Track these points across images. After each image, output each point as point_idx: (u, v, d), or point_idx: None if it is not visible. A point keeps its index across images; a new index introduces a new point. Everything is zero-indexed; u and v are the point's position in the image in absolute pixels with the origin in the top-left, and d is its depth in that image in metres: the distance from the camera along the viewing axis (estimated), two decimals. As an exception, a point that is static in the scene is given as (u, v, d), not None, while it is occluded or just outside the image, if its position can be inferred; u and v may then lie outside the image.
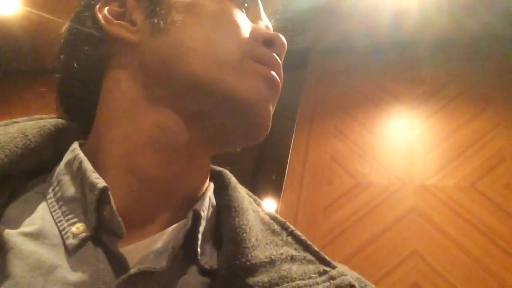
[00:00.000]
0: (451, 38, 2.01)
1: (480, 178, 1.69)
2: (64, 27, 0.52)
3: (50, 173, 0.46)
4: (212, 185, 0.49)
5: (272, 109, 0.46)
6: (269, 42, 0.47)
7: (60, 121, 0.49)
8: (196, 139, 0.44)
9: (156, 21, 0.46)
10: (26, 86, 2.47)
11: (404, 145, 1.86)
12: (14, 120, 0.47)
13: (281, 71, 0.47)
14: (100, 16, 0.47)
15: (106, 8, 0.48)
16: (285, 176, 1.92)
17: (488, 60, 1.96)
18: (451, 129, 1.84)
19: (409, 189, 1.74)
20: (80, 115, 0.51)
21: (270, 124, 0.46)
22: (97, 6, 0.48)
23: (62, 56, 0.51)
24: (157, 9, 0.46)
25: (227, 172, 0.52)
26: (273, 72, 0.46)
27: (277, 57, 0.47)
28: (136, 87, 0.45)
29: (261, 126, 0.45)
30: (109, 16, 0.47)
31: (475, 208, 1.63)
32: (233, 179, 0.51)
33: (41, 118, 0.49)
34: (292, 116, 2.09)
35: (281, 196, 1.87)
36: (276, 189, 1.91)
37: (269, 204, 2.36)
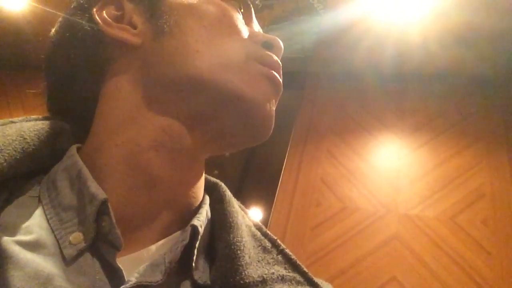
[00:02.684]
0: (450, 74, 2.10)
1: (460, 212, 1.78)
2: (52, 30, 0.51)
3: (45, 175, 0.45)
4: (208, 198, 0.49)
5: (274, 109, 0.47)
6: (268, 45, 0.48)
7: (57, 122, 0.49)
8: (200, 140, 0.45)
9: (159, 23, 0.45)
10: (33, 81, 2.51)
11: (392, 173, 1.94)
12: (10, 120, 0.46)
13: (281, 72, 0.48)
14: (98, 19, 0.46)
15: (104, 11, 0.47)
16: (276, 193, 1.99)
17: (480, 98, 2.06)
18: (437, 162, 1.93)
19: (393, 217, 1.83)
20: (74, 118, 0.50)
21: (273, 124, 0.47)
22: (94, 9, 0.47)
23: (52, 60, 0.50)
24: (158, 12, 0.46)
25: (222, 184, 0.52)
26: (275, 73, 0.47)
27: (277, 59, 0.48)
28: (138, 91, 0.44)
29: (266, 126, 0.46)
30: (109, 19, 0.47)
31: (453, 241, 1.72)
32: (228, 193, 0.51)
33: (37, 119, 0.48)
34: (286, 135, 2.16)
35: (272, 212, 1.94)
36: (267, 204, 1.97)
37: (257, 216, 2.43)
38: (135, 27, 0.47)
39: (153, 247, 0.41)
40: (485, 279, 1.62)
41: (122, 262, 0.38)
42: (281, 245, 0.48)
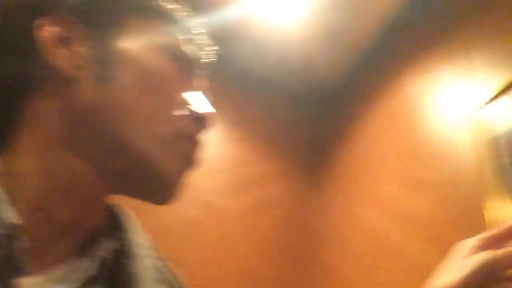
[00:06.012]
0: (272, 84, 2.27)
1: (253, 212, 1.95)
2: None
3: None
4: (114, 225, 0.49)
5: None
6: (200, 120, 0.48)
7: None
8: (107, 188, 0.45)
9: (102, 66, 0.43)
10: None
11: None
12: None
13: (201, 148, 0.49)
14: (39, 34, 0.42)
15: (49, 28, 0.43)
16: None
17: (291, 112, 2.28)
18: (242, 161, 2.08)
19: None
20: None
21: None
22: (38, 21, 0.42)
23: None
24: (105, 51, 0.44)
25: (130, 213, 0.52)
26: (196, 150, 0.48)
27: (202, 136, 0.49)
28: (62, 125, 0.43)
29: (172, 197, 0.47)
30: (51, 39, 0.42)
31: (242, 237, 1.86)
32: (134, 222, 0.51)
33: None
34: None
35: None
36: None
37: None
38: (77, 56, 0.43)
39: (54, 270, 0.41)
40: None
41: (25, 284, 0.37)
42: (181, 279, 0.50)
